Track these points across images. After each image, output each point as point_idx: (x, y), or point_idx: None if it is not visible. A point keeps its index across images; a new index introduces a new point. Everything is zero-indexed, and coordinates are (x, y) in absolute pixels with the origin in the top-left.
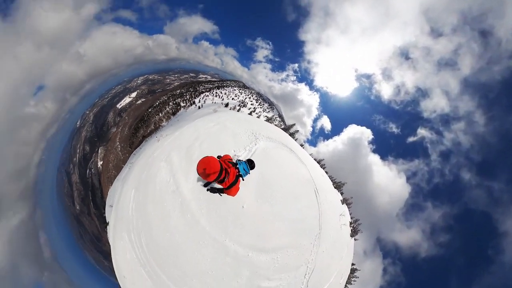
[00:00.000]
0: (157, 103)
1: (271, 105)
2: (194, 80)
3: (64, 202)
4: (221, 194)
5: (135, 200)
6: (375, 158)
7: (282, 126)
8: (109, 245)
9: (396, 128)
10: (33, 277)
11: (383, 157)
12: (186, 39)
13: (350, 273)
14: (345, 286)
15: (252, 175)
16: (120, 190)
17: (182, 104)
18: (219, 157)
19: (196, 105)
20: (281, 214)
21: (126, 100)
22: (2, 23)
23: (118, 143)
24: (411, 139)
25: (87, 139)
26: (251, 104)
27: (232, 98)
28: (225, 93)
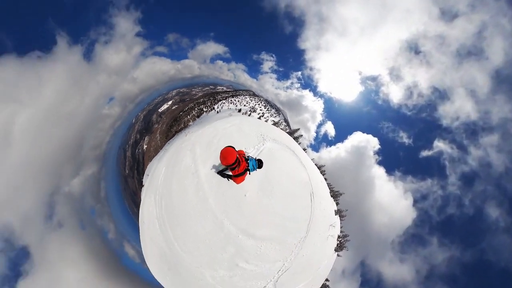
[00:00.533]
0: (186, 109)
1: (278, 111)
2: (213, 91)
3: (119, 167)
4: (229, 179)
5: (164, 174)
6: (379, 171)
7: (287, 130)
8: (140, 200)
9: (407, 138)
10: (91, 205)
11: (389, 171)
12: (205, 60)
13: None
14: None
15: (258, 171)
16: (156, 165)
17: (204, 109)
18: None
19: (215, 110)
20: (276, 209)
21: (165, 106)
22: (88, 64)
23: (158, 135)
24: (425, 153)
25: (138, 131)
26: (260, 110)
27: (244, 105)
28: (238, 101)
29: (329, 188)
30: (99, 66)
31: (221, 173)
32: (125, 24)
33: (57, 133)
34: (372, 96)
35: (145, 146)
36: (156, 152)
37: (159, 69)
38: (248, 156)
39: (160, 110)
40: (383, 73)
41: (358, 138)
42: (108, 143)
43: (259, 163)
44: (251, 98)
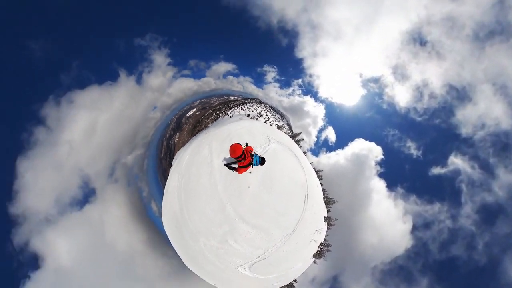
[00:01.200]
0: (206, 114)
1: (281, 116)
2: (227, 100)
3: (157, 152)
4: (234, 171)
5: (187, 160)
6: (379, 184)
7: (290, 134)
8: (168, 175)
9: (415, 150)
10: (136, 173)
11: (391, 185)
12: (219, 77)
13: (287, 286)
14: None
15: (263, 167)
16: (182, 154)
17: (220, 114)
18: (246, 144)
19: (228, 115)
20: (272, 204)
21: (190, 112)
22: (139, 86)
23: (185, 132)
24: (436, 170)
25: (172, 129)
26: (266, 115)
27: (252, 111)
28: (247, 107)
29: (324, 194)
30: (146, 87)
31: (228, 165)
32: (159, 58)
33: (121, 128)
34: (376, 100)
35: (176, 139)
36: (183, 144)
37: (185, 86)
38: (254, 153)
39: (187, 115)
40: (385, 73)
41: (360, 146)
42: (152, 136)
43: (262, 161)
44: (258, 105)
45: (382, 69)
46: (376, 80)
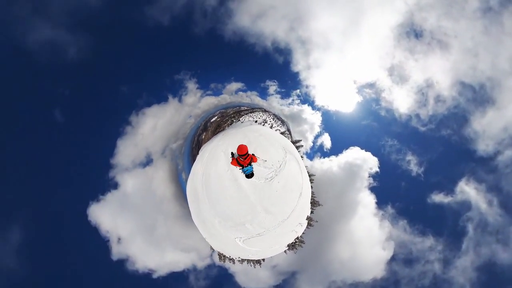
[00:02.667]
0: (224, 120)
1: (283, 122)
2: (239, 110)
3: (191, 144)
4: (231, 157)
5: (210, 152)
6: (368, 199)
7: (291, 139)
8: (195, 159)
9: (416, 165)
10: (177, 154)
11: (380, 203)
12: (232, 93)
13: (251, 261)
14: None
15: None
16: (206, 147)
17: (234, 120)
18: (253, 154)
19: (240, 121)
20: (281, 195)
21: (213, 119)
22: (180, 104)
23: (209, 133)
24: (439, 196)
25: (200, 129)
26: (270, 122)
27: (258, 118)
28: (254, 115)
29: (312, 196)
30: (184, 104)
31: (232, 154)
32: (191, 85)
33: (170, 128)
34: (373, 106)
35: (203, 137)
36: (208, 140)
37: (209, 102)
38: (251, 164)
39: (211, 121)
40: (381, 76)
41: (355, 154)
42: (188, 133)
43: (250, 175)
44: (263, 113)
45: (376, 72)
46: (371, 85)
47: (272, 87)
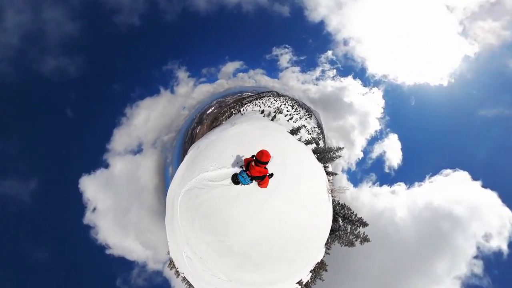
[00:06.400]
0: (222, 111)
1: (309, 112)
2: (241, 97)
3: (183, 137)
4: (252, 158)
5: (199, 148)
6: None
7: (320, 146)
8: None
9: None
10: (167, 147)
11: None
12: (229, 77)
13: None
14: None
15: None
16: (200, 142)
17: (234, 112)
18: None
19: (240, 113)
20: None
21: (210, 110)
22: (173, 95)
23: (205, 126)
24: None
25: (195, 122)
26: (287, 111)
27: (268, 106)
28: (262, 102)
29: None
30: (177, 95)
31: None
32: (181, 73)
33: (163, 120)
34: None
35: (197, 131)
36: (202, 135)
37: (204, 90)
38: (257, 179)
39: (207, 112)
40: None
41: (459, 191)
42: (181, 126)
43: (237, 183)
44: (275, 99)
45: None
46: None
47: (284, 56)
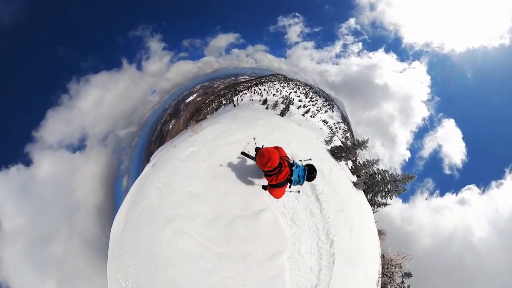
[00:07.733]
0: (207, 101)
1: (328, 101)
2: (235, 82)
3: (149, 134)
4: (264, 189)
5: (168, 149)
6: None
7: (349, 141)
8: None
9: None
10: (124, 146)
11: None
12: (220, 53)
13: None
14: None
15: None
16: (172, 144)
17: (224, 102)
18: (262, 145)
19: (233, 104)
20: None
21: (190, 98)
22: (140, 72)
23: (181, 120)
24: None
25: (169, 114)
26: (299, 101)
27: (273, 94)
28: (264, 89)
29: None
30: (145, 72)
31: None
32: (154, 44)
33: (122, 105)
34: None
35: (170, 126)
36: (177, 133)
37: (184, 69)
38: (293, 161)
39: (186, 101)
40: None
41: None
42: (148, 117)
43: (310, 174)
44: (282, 85)
45: None
46: None
47: (294, 27)
